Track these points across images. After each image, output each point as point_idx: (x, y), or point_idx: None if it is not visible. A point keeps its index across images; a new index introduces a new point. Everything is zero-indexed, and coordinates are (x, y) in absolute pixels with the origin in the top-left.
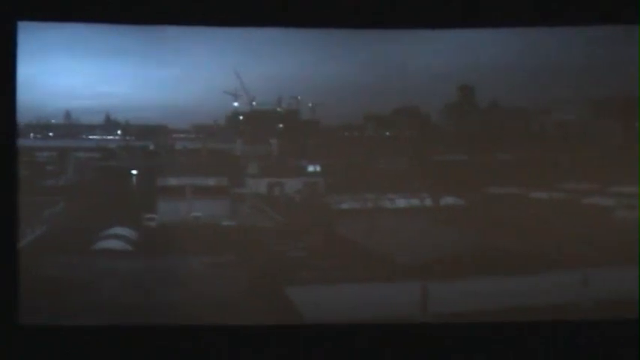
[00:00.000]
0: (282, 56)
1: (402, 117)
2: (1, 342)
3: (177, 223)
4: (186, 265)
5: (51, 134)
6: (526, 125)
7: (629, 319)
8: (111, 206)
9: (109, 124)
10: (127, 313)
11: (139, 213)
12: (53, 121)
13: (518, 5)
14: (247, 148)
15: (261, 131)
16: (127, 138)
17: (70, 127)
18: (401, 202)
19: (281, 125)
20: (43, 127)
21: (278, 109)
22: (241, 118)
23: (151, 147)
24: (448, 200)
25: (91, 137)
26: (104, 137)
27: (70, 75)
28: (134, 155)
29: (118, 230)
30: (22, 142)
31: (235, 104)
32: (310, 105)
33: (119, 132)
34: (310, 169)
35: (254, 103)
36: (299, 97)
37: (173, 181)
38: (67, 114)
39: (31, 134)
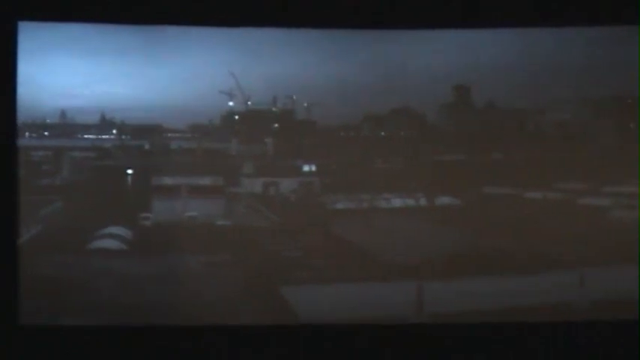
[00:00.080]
0: (277, 56)
1: (399, 117)
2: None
3: (173, 222)
4: (181, 265)
5: (46, 133)
6: (523, 125)
7: (630, 319)
8: (106, 205)
9: (105, 124)
10: (122, 313)
11: (134, 212)
12: (48, 120)
13: (518, 5)
14: (243, 147)
15: (256, 131)
16: (123, 137)
17: (66, 126)
18: (397, 202)
19: (276, 125)
20: (38, 127)
21: (273, 109)
22: (237, 117)
23: (147, 146)
24: (444, 200)
25: (86, 136)
26: (99, 137)
27: (65, 74)
28: (129, 154)
29: (113, 229)
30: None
31: (231, 104)
32: (306, 105)
33: (114, 131)
34: (306, 168)
35: (249, 102)
36: (294, 97)
37: (168, 181)
38: (63, 113)
39: (26, 133)
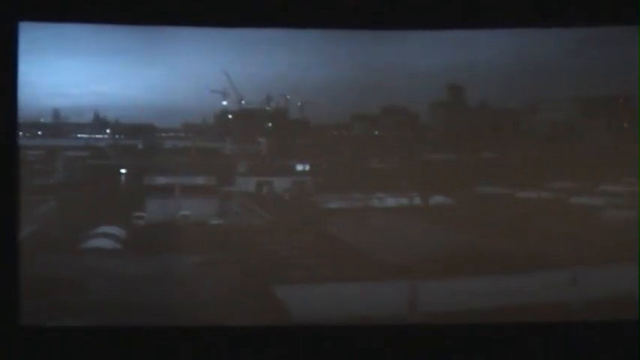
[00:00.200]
0: (271, 55)
1: (392, 116)
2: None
3: (166, 221)
4: (175, 264)
5: (39, 133)
6: (517, 125)
7: (630, 319)
8: (100, 205)
9: (98, 123)
10: (116, 312)
11: (128, 211)
12: (42, 119)
13: (517, 6)
14: (236, 147)
15: (250, 130)
16: (116, 137)
17: (59, 125)
18: (390, 202)
19: (270, 124)
20: (31, 126)
21: (267, 108)
22: (230, 117)
23: (140, 146)
24: (438, 199)
25: (79, 136)
26: (93, 136)
27: (59, 74)
28: (123, 154)
29: (107, 229)
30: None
31: (224, 103)
32: (299, 104)
33: (108, 131)
34: (299, 168)
35: (243, 102)
36: (288, 96)
37: (162, 180)
38: (56, 112)
39: (20, 133)
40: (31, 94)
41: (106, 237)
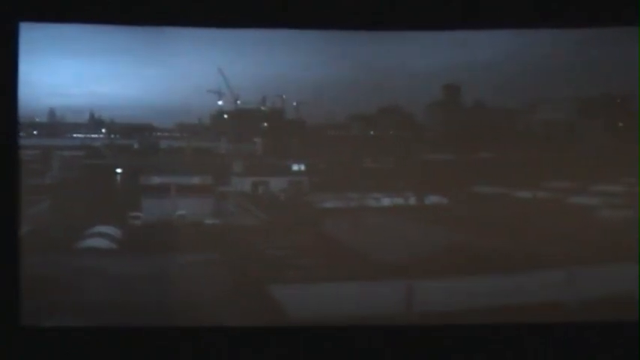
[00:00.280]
0: (266, 55)
1: (388, 116)
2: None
3: (162, 221)
4: (171, 263)
5: (35, 132)
6: (517, 125)
7: (630, 319)
8: (95, 204)
9: (94, 123)
10: (112, 312)
11: (124, 211)
12: (37, 119)
13: (517, 6)
14: (232, 146)
15: (245, 130)
16: (112, 136)
17: (54, 125)
18: (386, 201)
19: (265, 124)
20: (26, 126)
21: (262, 108)
22: (226, 116)
23: (136, 145)
24: (434, 199)
25: (75, 135)
26: (88, 136)
27: (54, 73)
28: (119, 154)
29: (103, 229)
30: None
31: (220, 103)
32: (295, 104)
33: (104, 130)
34: (295, 167)
35: (238, 101)
36: (284, 96)
37: (158, 180)
38: (51, 112)
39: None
40: (26, 94)
41: (101, 237)
